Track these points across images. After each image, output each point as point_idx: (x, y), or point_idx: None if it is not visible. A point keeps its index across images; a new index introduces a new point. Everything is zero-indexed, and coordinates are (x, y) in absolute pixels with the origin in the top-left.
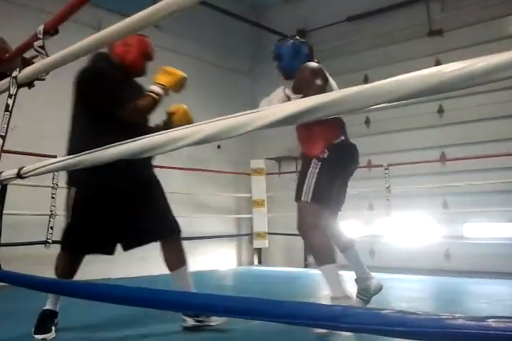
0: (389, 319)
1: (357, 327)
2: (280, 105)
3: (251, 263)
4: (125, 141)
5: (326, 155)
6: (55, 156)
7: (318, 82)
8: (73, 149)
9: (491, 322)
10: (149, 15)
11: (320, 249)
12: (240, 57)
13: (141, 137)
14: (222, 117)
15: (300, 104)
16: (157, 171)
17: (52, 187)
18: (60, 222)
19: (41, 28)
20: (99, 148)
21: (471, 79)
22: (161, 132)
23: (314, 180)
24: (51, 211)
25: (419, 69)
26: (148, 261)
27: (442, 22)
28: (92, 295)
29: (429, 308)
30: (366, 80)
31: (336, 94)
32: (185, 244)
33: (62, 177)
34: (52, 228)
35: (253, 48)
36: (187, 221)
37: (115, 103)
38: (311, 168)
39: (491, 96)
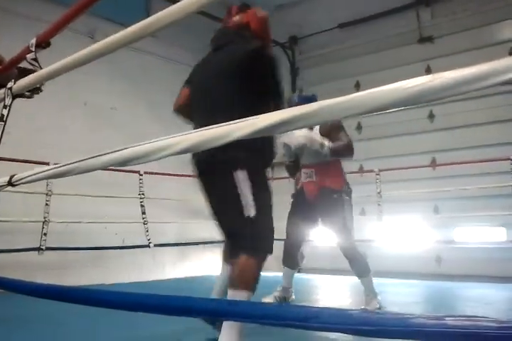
0: (356, 319)
1: (327, 327)
2: (260, 116)
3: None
4: (114, 150)
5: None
6: (47, 164)
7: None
8: None
9: (448, 321)
10: (146, 27)
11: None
12: None
13: (128, 146)
14: (204, 128)
15: (278, 115)
16: (150, 178)
17: (46, 194)
18: (54, 228)
19: (33, 40)
20: (90, 156)
21: (434, 94)
22: (145, 142)
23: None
24: (45, 218)
25: (410, 75)
26: (143, 266)
27: (433, 29)
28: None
29: (420, 312)
30: (358, 86)
31: (312, 106)
32: (179, 249)
33: (56, 184)
34: (45, 234)
35: None
36: (180, 226)
37: (281, 90)
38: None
39: (482, 101)
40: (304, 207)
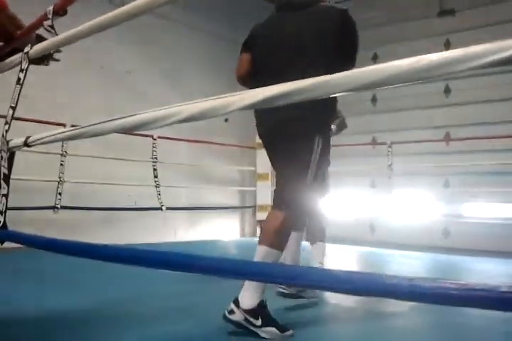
0: (339, 277)
1: (312, 284)
2: (257, 89)
3: (253, 234)
4: (125, 115)
5: None
6: (63, 125)
7: None
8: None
9: (420, 282)
10: None
11: None
12: (247, 31)
13: (137, 113)
14: (207, 98)
15: (277, 88)
16: (163, 142)
17: (62, 154)
18: (69, 188)
19: (51, 8)
20: (103, 121)
21: (417, 74)
22: (153, 109)
23: None
24: (60, 177)
25: (429, 48)
26: (154, 228)
27: (454, 1)
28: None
29: None
30: (375, 58)
31: (308, 81)
32: (190, 214)
33: (71, 146)
34: (60, 194)
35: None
36: (192, 191)
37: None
38: None
39: (499, 77)
40: None
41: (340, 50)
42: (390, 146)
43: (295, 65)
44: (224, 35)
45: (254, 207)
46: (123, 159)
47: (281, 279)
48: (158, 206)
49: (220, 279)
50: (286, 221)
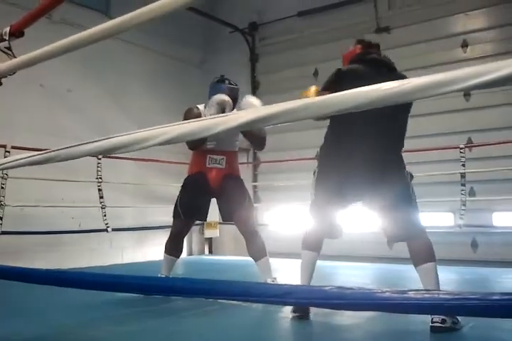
0: (330, 293)
1: (303, 302)
2: (241, 112)
3: (202, 252)
4: (99, 139)
5: None
6: (4, 146)
7: None
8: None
9: (411, 294)
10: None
11: None
12: (191, 49)
13: (110, 136)
14: (187, 121)
15: (259, 111)
16: (107, 162)
17: (2, 177)
18: (10, 212)
19: (7, 29)
20: (73, 145)
21: (402, 96)
22: (129, 132)
23: None
24: (0, 201)
25: None
26: (98, 251)
27: (389, 20)
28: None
29: None
30: (316, 74)
31: (293, 103)
32: (137, 234)
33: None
34: (1, 218)
35: (205, 40)
36: (139, 211)
37: None
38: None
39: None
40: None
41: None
42: None
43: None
44: (166, 52)
45: (201, 225)
46: (67, 180)
47: (272, 298)
48: (104, 227)
49: (168, 300)
50: None
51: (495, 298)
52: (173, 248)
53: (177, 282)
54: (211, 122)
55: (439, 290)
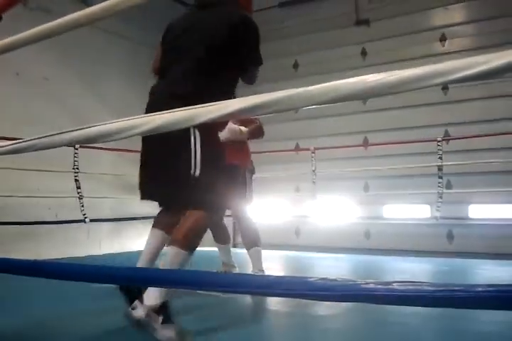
0: (315, 285)
1: (289, 293)
2: (228, 101)
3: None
4: (81, 127)
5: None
6: None
7: None
8: (191, 91)
9: (395, 286)
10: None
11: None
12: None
13: (92, 125)
14: (173, 110)
15: (245, 101)
16: (84, 151)
17: None
18: None
19: None
20: (51, 134)
21: (387, 88)
22: (114, 120)
23: None
24: None
25: (347, 56)
26: (77, 241)
27: (369, 12)
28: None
29: None
30: (296, 66)
31: (276, 94)
32: (115, 225)
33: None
34: None
35: None
36: (117, 202)
37: (260, 60)
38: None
39: None
40: None
41: (232, 48)
42: (313, 152)
43: (183, 62)
44: (144, 41)
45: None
46: (43, 170)
47: (250, 288)
48: (81, 218)
49: None
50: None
51: (479, 289)
52: None
53: (162, 273)
54: (197, 111)
55: (423, 282)
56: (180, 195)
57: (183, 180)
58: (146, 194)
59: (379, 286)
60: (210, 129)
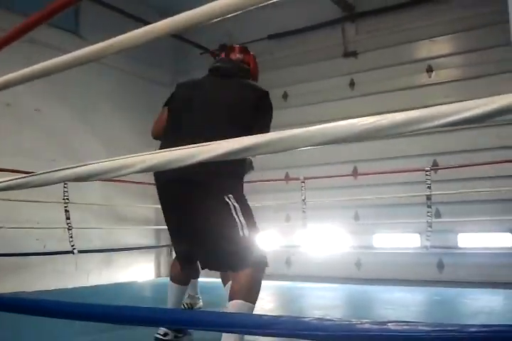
0: (310, 325)
1: (284, 333)
2: (221, 142)
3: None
4: (73, 165)
5: None
6: None
7: None
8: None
9: (390, 326)
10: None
11: None
12: (161, 69)
13: (87, 163)
14: (166, 149)
15: (240, 142)
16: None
17: None
18: None
19: None
20: (47, 171)
21: (379, 131)
22: (107, 159)
23: None
24: None
25: (335, 87)
26: (65, 273)
27: (356, 44)
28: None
29: (341, 315)
30: (286, 96)
31: (272, 135)
32: (104, 256)
33: None
34: None
35: (175, 60)
36: (106, 232)
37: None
38: None
39: None
40: None
41: (251, 127)
42: (303, 181)
43: (204, 124)
44: (136, 72)
45: (169, 246)
46: (32, 201)
47: (247, 328)
48: (70, 249)
49: (118, 328)
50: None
51: (473, 330)
52: None
53: (157, 313)
54: (191, 151)
55: (418, 322)
56: (230, 258)
57: (232, 243)
58: (189, 260)
59: (374, 326)
60: (239, 191)
